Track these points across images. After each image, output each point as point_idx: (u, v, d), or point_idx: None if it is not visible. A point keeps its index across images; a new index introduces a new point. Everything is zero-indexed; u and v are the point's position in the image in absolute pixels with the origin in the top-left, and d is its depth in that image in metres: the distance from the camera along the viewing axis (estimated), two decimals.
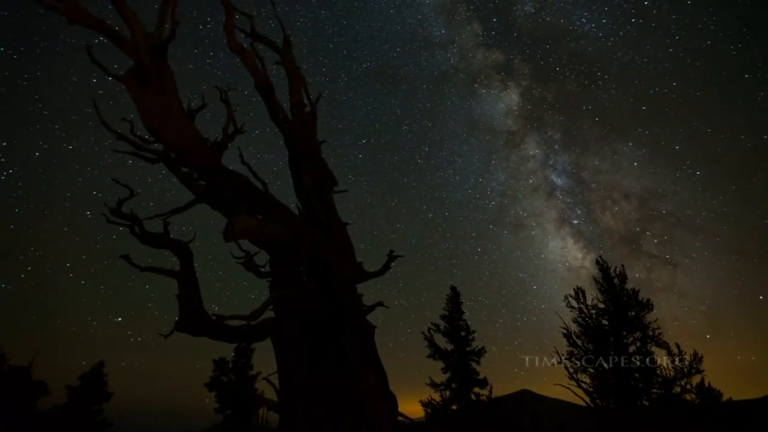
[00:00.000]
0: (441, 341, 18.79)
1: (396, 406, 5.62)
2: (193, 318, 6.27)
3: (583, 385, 12.94)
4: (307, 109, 5.74)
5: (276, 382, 6.16)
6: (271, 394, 6.46)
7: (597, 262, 14.59)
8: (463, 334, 18.79)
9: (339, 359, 5.40)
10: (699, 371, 11.65)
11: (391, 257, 6.20)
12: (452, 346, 18.58)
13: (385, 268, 6.30)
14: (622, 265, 14.02)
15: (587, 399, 12.79)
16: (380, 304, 6.33)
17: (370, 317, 6.10)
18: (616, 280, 13.72)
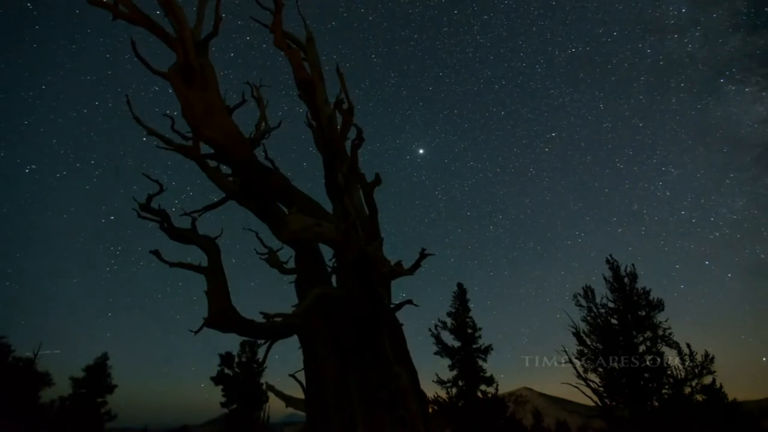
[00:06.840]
0: (448, 339, 18.93)
1: (427, 404, 5.66)
2: (223, 314, 6.28)
3: (591, 384, 13.00)
4: (345, 106, 5.74)
5: (300, 378, 6.20)
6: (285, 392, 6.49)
7: (607, 261, 14.64)
8: (469, 331, 18.90)
9: (371, 357, 5.42)
10: (711, 372, 11.76)
11: (423, 255, 6.21)
12: (459, 344, 18.70)
13: (416, 266, 6.30)
14: (633, 265, 14.09)
15: (596, 398, 12.87)
16: (409, 302, 6.34)
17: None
18: (626, 280, 13.80)
